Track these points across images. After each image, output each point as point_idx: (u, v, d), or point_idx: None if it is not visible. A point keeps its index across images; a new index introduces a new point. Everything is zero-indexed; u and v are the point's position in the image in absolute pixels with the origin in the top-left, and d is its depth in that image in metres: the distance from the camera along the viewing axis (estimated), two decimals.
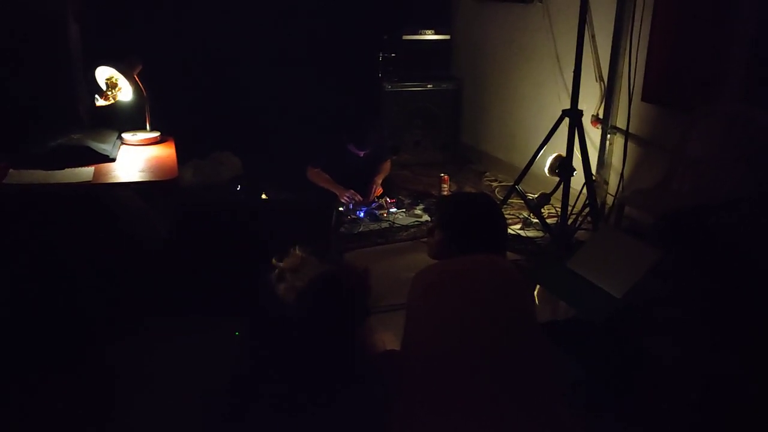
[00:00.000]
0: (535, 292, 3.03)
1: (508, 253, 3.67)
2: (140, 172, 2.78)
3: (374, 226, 4.04)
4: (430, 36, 5.26)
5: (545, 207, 4.10)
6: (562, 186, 3.75)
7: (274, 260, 2.24)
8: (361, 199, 4.21)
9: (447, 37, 5.32)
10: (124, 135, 3.17)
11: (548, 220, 3.94)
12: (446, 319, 1.75)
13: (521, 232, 3.97)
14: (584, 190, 3.69)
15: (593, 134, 4.07)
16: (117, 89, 2.98)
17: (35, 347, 2.56)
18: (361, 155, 4.19)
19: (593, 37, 3.97)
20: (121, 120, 3.32)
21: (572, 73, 3.58)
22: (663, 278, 2.78)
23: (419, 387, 1.65)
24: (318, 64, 4.96)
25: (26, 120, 3.01)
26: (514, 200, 4.23)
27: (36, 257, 2.77)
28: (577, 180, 3.75)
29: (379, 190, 4.34)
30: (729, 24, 3.23)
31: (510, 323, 1.72)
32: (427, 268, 1.98)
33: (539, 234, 3.93)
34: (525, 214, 4.16)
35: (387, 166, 4.48)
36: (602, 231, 3.40)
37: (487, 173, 5.15)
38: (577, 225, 3.77)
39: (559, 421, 1.57)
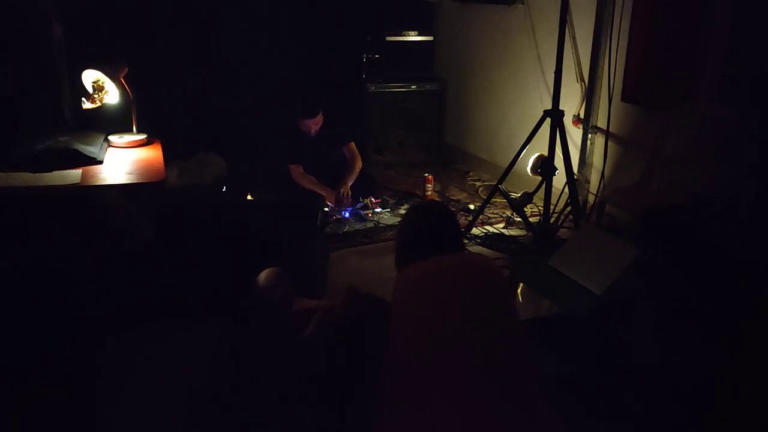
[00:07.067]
0: (519, 290, 3.08)
1: (492, 252, 3.75)
2: (127, 174, 2.80)
3: (359, 225, 4.08)
4: (413, 37, 5.29)
5: (528, 206, 4.15)
6: (544, 185, 3.80)
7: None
8: (350, 202, 4.21)
9: (430, 38, 5.35)
10: (110, 137, 3.18)
11: (531, 219, 4.00)
12: (428, 316, 1.78)
13: (504, 231, 4.03)
14: (566, 189, 3.74)
15: (574, 134, 4.13)
16: (104, 92, 2.99)
17: (19, 348, 2.57)
18: (312, 133, 4.13)
19: (574, 38, 4.03)
20: (106, 122, 3.32)
21: (554, 74, 3.64)
22: (642, 275, 2.84)
23: (404, 383, 1.68)
24: (302, 65, 4.99)
25: (12, 122, 3.01)
26: (498, 199, 4.27)
27: (23, 259, 2.78)
28: (559, 179, 3.80)
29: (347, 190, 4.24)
30: (705, 27, 3.30)
31: (490, 318, 1.76)
32: (408, 268, 2.02)
33: (522, 233, 3.99)
34: (508, 213, 4.21)
35: (354, 151, 4.38)
36: (583, 230, 3.45)
37: (471, 173, 5.20)
38: (559, 223, 3.83)
39: (539, 414, 1.61)
